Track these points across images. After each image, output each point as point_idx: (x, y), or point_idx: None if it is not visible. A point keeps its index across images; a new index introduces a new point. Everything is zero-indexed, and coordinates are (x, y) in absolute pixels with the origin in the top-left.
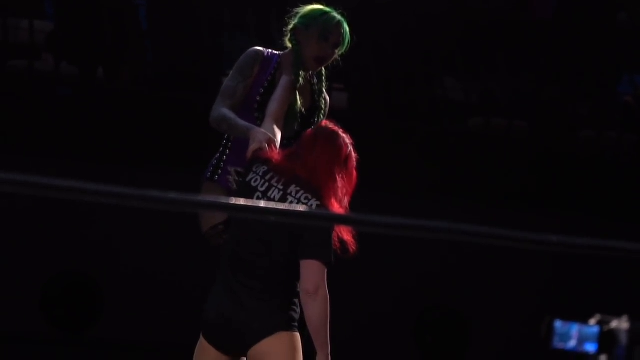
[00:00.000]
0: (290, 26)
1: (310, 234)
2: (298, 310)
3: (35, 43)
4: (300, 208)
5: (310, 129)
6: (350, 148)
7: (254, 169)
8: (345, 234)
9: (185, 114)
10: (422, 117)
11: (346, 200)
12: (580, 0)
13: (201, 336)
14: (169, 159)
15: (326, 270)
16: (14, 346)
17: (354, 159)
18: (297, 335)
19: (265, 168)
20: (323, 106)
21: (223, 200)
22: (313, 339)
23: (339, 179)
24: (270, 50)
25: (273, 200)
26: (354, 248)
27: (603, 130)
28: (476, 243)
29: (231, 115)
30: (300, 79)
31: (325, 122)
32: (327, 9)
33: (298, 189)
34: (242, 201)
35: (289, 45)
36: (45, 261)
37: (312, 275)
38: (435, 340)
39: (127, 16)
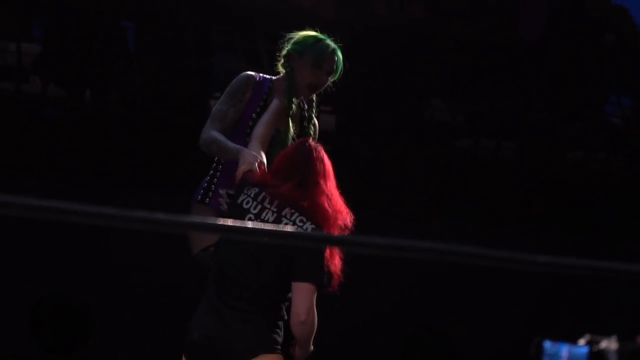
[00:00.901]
0: (284, 52)
1: (303, 256)
2: (282, 332)
3: (23, 65)
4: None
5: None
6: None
7: (245, 191)
8: (335, 258)
9: (174, 136)
10: (410, 138)
11: (341, 220)
12: (568, 21)
13: (183, 357)
14: (157, 180)
15: (316, 293)
16: None
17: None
18: (281, 357)
19: (257, 190)
20: (312, 132)
21: (214, 221)
22: (297, 348)
23: (332, 198)
24: (262, 75)
25: (267, 222)
26: (340, 275)
27: (591, 151)
28: (464, 263)
29: (221, 137)
30: (293, 105)
31: (303, 140)
32: (321, 36)
33: (292, 211)
34: (232, 222)
35: (282, 70)
36: (33, 283)
37: (304, 300)
38: None
39: (115, 38)
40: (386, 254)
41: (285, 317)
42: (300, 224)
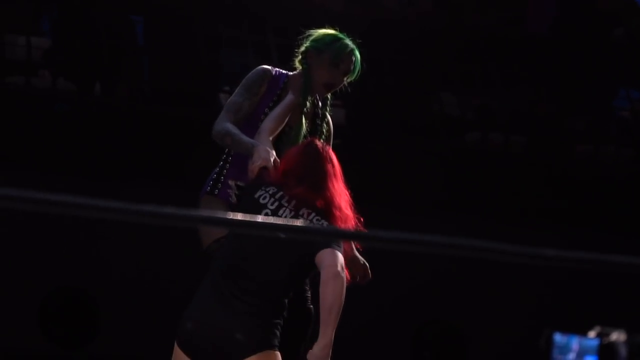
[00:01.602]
0: (302, 48)
1: (317, 246)
2: (281, 329)
3: (32, 59)
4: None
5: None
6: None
7: (263, 187)
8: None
9: (182, 130)
10: (419, 132)
11: (351, 221)
12: (577, 15)
13: (176, 346)
14: (165, 174)
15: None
16: None
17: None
18: (279, 355)
19: (275, 188)
20: (324, 130)
21: (223, 213)
22: (322, 319)
23: (343, 199)
24: (278, 70)
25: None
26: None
27: (600, 144)
28: (473, 257)
29: (235, 130)
30: (308, 102)
31: (310, 141)
32: (340, 35)
33: (309, 211)
34: (247, 217)
35: (299, 66)
36: (43, 277)
37: (333, 257)
38: (433, 356)
39: (124, 32)
40: (396, 248)
41: (286, 315)
42: (314, 220)
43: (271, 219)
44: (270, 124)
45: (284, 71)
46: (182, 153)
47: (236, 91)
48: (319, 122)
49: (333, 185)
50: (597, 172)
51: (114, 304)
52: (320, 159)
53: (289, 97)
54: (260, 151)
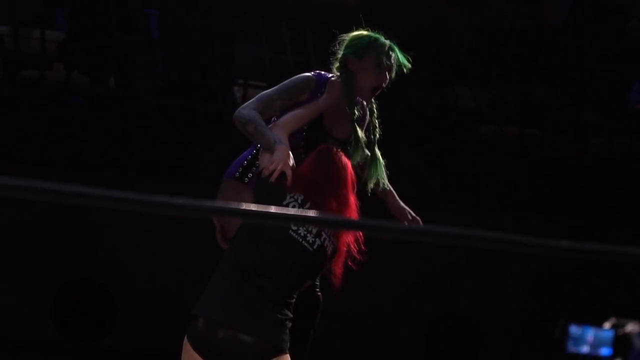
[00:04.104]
0: (339, 56)
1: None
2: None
3: (47, 53)
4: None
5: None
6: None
7: (291, 195)
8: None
9: (196, 123)
10: (434, 124)
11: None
12: (592, 7)
13: (186, 342)
14: (180, 167)
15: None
16: (27, 355)
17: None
18: (289, 357)
19: (303, 197)
20: (374, 139)
21: (249, 199)
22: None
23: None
24: (322, 77)
25: (310, 232)
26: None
27: (614, 137)
28: (487, 249)
29: (261, 121)
30: (356, 110)
31: (324, 149)
32: (375, 35)
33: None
34: (271, 208)
35: (336, 72)
36: (58, 270)
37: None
38: (447, 348)
39: (138, 26)
40: (407, 239)
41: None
42: (333, 238)
43: (279, 209)
44: (290, 119)
45: (325, 76)
46: (196, 146)
47: (275, 87)
48: (371, 132)
49: (352, 198)
50: (612, 165)
51: (128, 297)
52: (338, 171)
53: (319, 100)
54: (282, 152)
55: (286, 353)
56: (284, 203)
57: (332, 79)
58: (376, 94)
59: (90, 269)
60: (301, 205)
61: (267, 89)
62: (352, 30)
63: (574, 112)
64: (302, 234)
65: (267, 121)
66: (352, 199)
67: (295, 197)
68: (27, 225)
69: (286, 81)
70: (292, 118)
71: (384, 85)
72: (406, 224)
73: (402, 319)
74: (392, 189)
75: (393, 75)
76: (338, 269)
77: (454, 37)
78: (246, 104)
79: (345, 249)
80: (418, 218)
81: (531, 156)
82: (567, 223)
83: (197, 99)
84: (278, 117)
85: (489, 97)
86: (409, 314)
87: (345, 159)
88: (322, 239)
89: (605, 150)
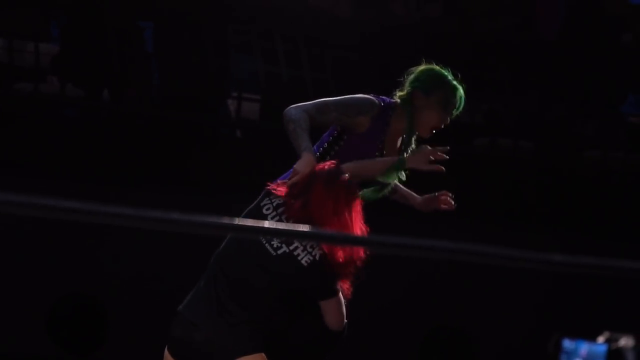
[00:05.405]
0: (407, 88)
1: (313, 282)
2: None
3: (41, 66)
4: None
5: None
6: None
7: (270, 197)
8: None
9: (191, 136)
10: (428, 137)
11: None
12: (585, 20)
13: (166, 352)
14: (174, 179)
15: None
16: None
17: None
18: (263, 356)
19: (280, 201)
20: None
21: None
22: None
23: (344, 224)
24: (385, 104)
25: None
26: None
27: (608, 150)
28: (481, 263)
29: (305, 125)
30: (412, 145)
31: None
32: (445, 74)
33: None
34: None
35: (399, 101)
36: (51, 283)
37: (334, 313)
38: None
39: (133, 38)
40: (401, 253)
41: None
42: (310, 250)
43: (272, 223)
44: (355, 168)
45: (387, 102)
46: (190, 158)
47: (337, 99)
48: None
49: (334, 216)
50: (606, 178)
51: (122, 310)
52: (316, 180)
53: (389, 160)
54: (304, 161)
55: (258, 352)
56: (261, 204)
57: (397, 111)
58: (434, 133)
59: (84, 282)
60: (275, 209)
61: (261, 102)
62: (416, 64)
63: (568, 125)
64: (267, 237)
65: (318, 128)
66: (350, 220)
67: (273, 200)
68: (21, 238)
69: (348, 96)
70: (359, 168)
71: (443, 126)
72: (436, 200)
73: (395, 331)
74: (398, 184)
75: (454, 116)
76: (344, 284)
77: (449, 50)
78: (302, 104)
79: (341, 262)
80: (444, 191)
81: (525, 169)
82: (561, 236)
83: (191, 111)
84: (323, 130)
85: (483, 110)
86: (403, 326)
87: (342, 177)
88: (290, 248)
89: (599, 162)
